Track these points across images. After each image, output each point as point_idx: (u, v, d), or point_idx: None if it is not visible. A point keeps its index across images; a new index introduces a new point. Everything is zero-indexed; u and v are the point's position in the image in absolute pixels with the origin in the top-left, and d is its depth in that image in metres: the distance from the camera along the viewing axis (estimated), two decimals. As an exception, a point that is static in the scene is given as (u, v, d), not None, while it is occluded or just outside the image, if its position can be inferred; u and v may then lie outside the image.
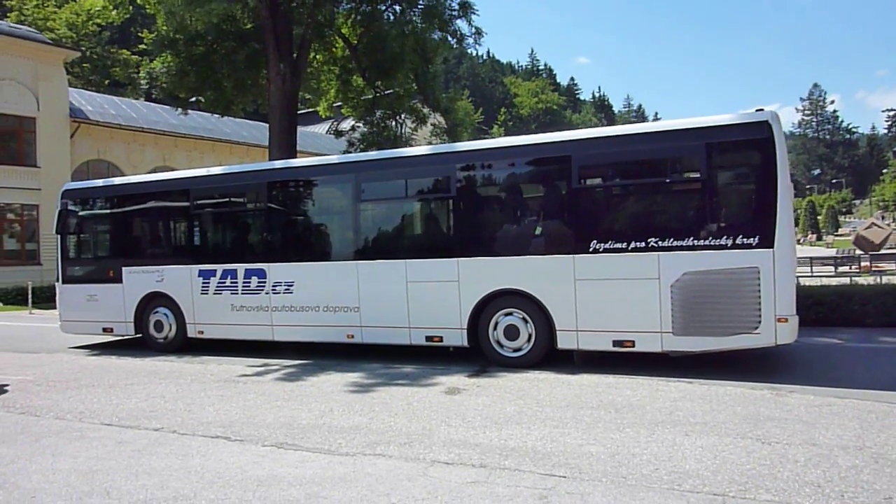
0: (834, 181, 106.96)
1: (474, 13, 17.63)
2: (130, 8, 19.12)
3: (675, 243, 7.52)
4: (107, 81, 43.68)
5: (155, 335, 11.16)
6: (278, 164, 11.61)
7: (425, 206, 9.52)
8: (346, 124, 21.54)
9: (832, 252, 29.58)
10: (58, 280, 12.12)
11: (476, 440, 5.33)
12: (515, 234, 8.79)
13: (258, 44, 17.06)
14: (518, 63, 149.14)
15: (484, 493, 4.21)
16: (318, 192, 10.26)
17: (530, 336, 8.39)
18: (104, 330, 11.67)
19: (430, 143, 17.55)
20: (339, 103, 21.35)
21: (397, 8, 17.94)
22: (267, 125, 18.10)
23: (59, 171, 25.31)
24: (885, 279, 15.63)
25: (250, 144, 33.34)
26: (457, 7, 17.46)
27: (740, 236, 7.25)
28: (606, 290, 7.89)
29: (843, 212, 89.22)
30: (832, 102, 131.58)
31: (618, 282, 7.81)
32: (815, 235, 65.49)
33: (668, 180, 7.92)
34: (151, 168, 28.79)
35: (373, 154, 11.07)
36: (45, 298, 20.69)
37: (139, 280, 11.18)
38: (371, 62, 17.71)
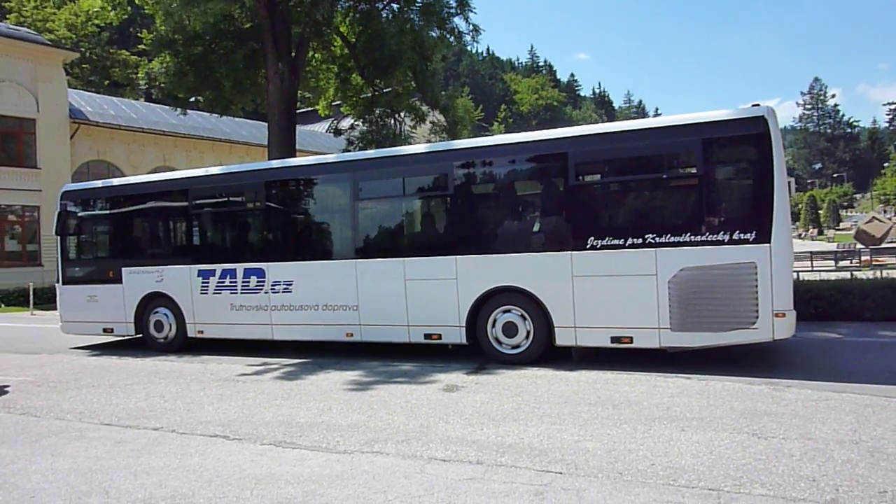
0: (835, 175, 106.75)
1: (471, 11, 17.62)
2: (129, 8, 19.06)
3: (673, 239, 7.53)
4: (106, 82, 43.78)
5: (155, 335, 11.19)
6: (276, 163, 11.62)
7: (423, 204, 9.53)
8: (346, 123, 21.55)
9: (833, 246, 29.54)
10: (58, 281, 12.15)
11: (473, 437, 5.35)
12: (513, 232, 8.80)
13: (256, 43, 17.07)
14: (518, 60, 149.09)
15: (480, 489, 4.23)
16: (316, 191, 10.28)
17: (529, 333, 8.40)
18: (104, 330, 11.71)
19: (429, 141, 17.53)
20: (338, 102, 21.36)
21: (395, 6, 17.94)
22: (266, 124, 18.12)
23: (59, 173, 25.38)
24: (885, 273, 15.61)
25: (250, 144, 33.38)
26: (454, 4, 17.44)
27: (737, 232, 7.25)
28: (604, 287, 7.90)
29: (845, 206, 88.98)
30: (833, 96, 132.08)
31: (615, 278, 7.83)
32: (816, 230, 65.37)
33: (664, 176, 7.93)
34: (152, 168, 28.85)
35: (370, 153, 11.07)
36: (46, 299, 20.75)
37: (139, 280, 11.21)
38: (369, 60, 17.71)
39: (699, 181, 7.70)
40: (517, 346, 8.49)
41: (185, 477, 4.72)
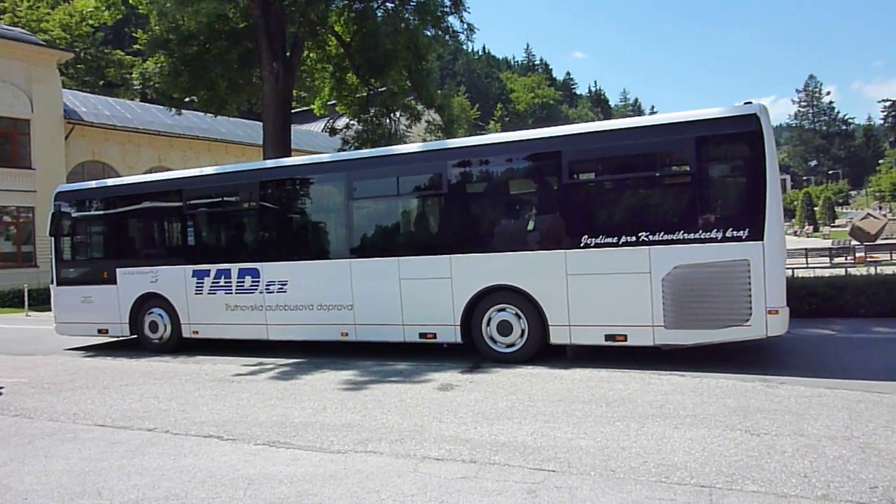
0: (830, 172, 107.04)
1: (466, 10, 17.63)
2: (123, 8, 19.02)
3: (666, 237, 7.55)
4: (101, 82, 43.63)
5: (150, 336, 11.18)
6: (270, 163, 11.61)
7: (417, 204, 9.53)
8: (341, 122, 21.53)
9: (828, 243, 29.62)
10: (52, 282, 12.13)
11: (467, 436, 5.35)
12: (507, 230, 8.81)
13: (251, 43, 17.03)
14: (514, 58, 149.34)
15: (473, 488, 4.24)
16: (311, 190, 10.26)
17: (523, 331, 8.41)
18: (99, 331, 11.69)
19: (425, 140, 17.53)
20: (334, 101, 21.33)
21: (390, 5, 17.92)
22: (262, 124, 18.09)
23: (54, 173, 25.29)
24: (879, 270, 15.66)
25: (246, 144, 33.32)
26: (448, 4, 17.44)
27: (730, 229, 7.27)
28: (598, 285, 7.91)
29: (840, 203, 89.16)
30: (828, 93, 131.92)
31: (609, 276, 7.84)
32: (811, 227, 65.53)
33: (657, 174, 7.93)
34: (147, 168, 28.79)
35: (364, 152, 11.07)
36: (41, 300, 20.70)
37: (133, 281, 11.19)
38: (364, 60, 17.69)
39: (692, 179, 7.72)
40: (512, 345, 8.49)
41: (178, 477, 4.72)
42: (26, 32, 30.52)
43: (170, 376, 8.79)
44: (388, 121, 19.58)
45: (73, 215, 12.02)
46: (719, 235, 7.32)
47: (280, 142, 16.90)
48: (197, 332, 10.77)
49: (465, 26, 17.99)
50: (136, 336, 11.39)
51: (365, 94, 19.32)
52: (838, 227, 61.29)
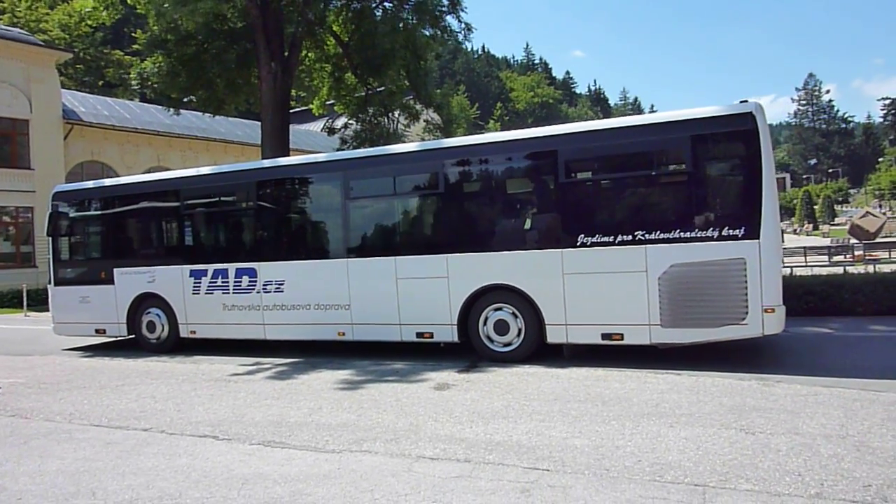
0: (830, 171, 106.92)
1: (463, 10, 17.63)
2: (121, 8, 19.00)
3: (662, 236, 7.54)
4: (100, 82, 43.63)
5: (147, 336, 11.17)
6: (267, 163, 11.60)
7: (414, 203, 9.52)
8: (340, 122, 21.52)
9: (827, 242, 29.59)
10: (50, 282, 12.12)
11: (462, 435, 5.35)
12: (504, 230, 8.80)
13: (249, 43, 17.01)
14: (513, 57, 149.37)
15: (467, 487, 4.24)
16: (307, 190, 10.26)
17: (520, 331, 8.41)
18: (97, 331, 11.68)
19: (423, 140, 17.53)
20: (332, 101, 21.33)
21: (388, 5, 17.91)
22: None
23: (53, 173, 25.28)
24: (878, 268, 15.66)
25: (245, 143, 33.29)
26: (446, 3, 17.43)
27: (726, 228, 7.27)
28: (594, 284, 7.91)
29: (840, 201, 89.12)
30: (828, 92, 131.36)
31: (606, 275, 7.84)
32: (811, 225, 65.52)
33: (653, 173, 7.92)
34: (146, 169, 28.76)
35: (361, 151, 11.08)
36: (40, 301, 20.69)
37: (131, 281, 11.19)
38: (362, 59, 17.68)
39: (688, 178, 7.72)
40: (509, 344, 8.49)
41: (172, 477, 4.72)
42: (25, 32, 30.51)
43: (167, 376, 8.79)
44: (386, 120, 19.56)
45: (71, 215, 12.02)
46: (715, 234, 7.31)
47: (278, 141, 16.89)
48: (194, 332, 10.77)
49: (463, 26, 18.01)
50: (133, 336, 11.38)
51: (363, 93, 19.31)
52: (838, 225, 61.25)
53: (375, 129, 19.23)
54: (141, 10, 17.75)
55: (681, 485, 4.08)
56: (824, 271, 14.27)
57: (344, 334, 9.49)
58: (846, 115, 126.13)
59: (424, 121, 19.84)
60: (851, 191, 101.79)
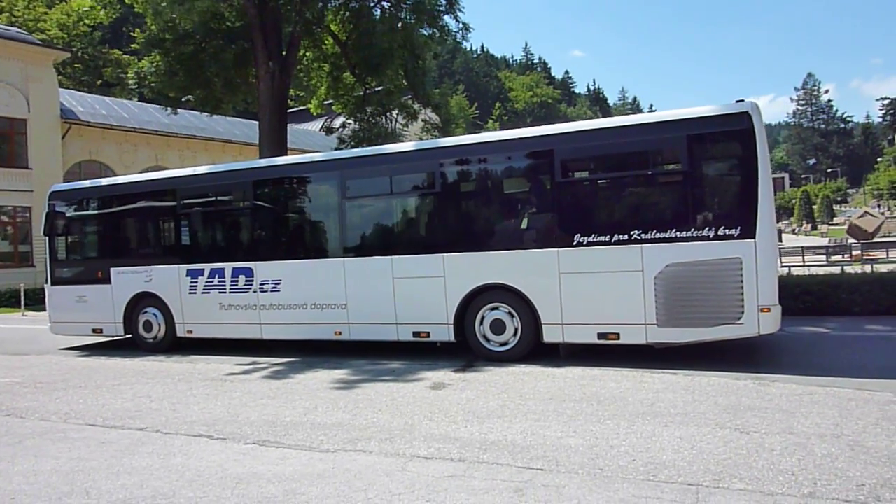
0: (829, 170, 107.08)
1: (460, 10, 17.64)
2: (119, 7, 19.03)
3: (658, 235, 7.54)
4: (98, 82, 43.54)
5: (144, 335, 11.16)
6: (263, 162, 11.60)
7: (410, 202, 9.51)
8: (338, 121, 21.54)
9: (825, 241, 29.63)
10: (47, 282, 12.11)
11: (457, 434, 5.35)
12: (500, 229, 8.80)
13: (247, 42, 17.02)
14: (512, 57, 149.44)
15: (461, 486, 4.23)
16: (304, 189, 10.26)
17: (516, 330, 8.40)
18: (94, 331, 11.67)
19: (422, 139, 17.53)
20: (330, 100, 21.34)
21: (386, 4, 17.93)
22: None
23: (50, 173, 25.26)
24: (875, 268, 15.67)
25: (243, 143, 33.29)
26: (444, 3, 17.44)
27: (722, 227, 7.27)
28: (591, 283, 7.91)
29: (839, 201, 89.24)
30: (826, 92, 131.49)
31: (602, 274, 7.84)
32: (809, 225, 65.59)
33: (649, 173, 7.93)
34: (144, 168, 28.72)
35: (357, 151, 11.06)
36: (38, 300, 20.61)
37: (128, 280, 11.18)
38: (360, 59, 17.69)
39: (684, 177, 7.72)
40: (505, 344, 8.49)
41: (166, 477, 4.71)
42: (23, 32, 30.46)
43: (163, 376, 8.78)
44: (384, 120, 19.58)
45: (68, 215, 11.99)
46: (711, 233, 7.31)
47: (276, 141, 16.90)
48: (191, 332, 10.76)
49: (461, 25, 18.03)
50: (130, 336, 11.37)
51: (361, 92, 19.33)
52: (836, 225, 61.35)
53: (373, 128, 19.25)
54: (139, 9, 17.76)
55: (674, 484, 4.08)
56: (822, 271, 14.27)
57: (340, 334, 9.48)
58: (845, 115, 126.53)
59: (423, 120, 19.85)
60: (850, 191, 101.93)
